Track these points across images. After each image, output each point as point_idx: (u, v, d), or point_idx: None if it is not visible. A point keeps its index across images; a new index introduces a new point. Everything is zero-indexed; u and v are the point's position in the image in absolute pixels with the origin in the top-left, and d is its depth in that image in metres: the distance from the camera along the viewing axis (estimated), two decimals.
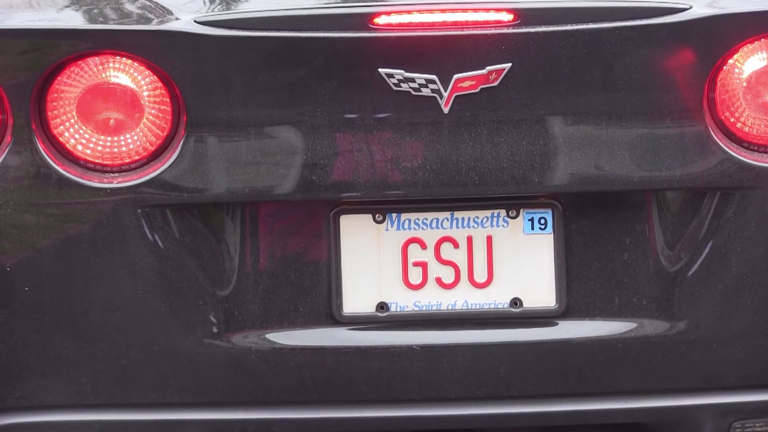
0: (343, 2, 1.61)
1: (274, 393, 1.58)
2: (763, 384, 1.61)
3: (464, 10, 1.48)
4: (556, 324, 1.56)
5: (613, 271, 1.57)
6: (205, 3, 1.58)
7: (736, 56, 1.49)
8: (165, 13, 1.51)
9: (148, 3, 1.58)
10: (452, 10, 1.48)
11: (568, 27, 1.48)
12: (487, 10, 1.48)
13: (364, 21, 1.46)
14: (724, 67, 1.48)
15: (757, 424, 1.66)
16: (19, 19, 1.54)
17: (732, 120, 1.51)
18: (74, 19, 1.58)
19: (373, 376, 1.56)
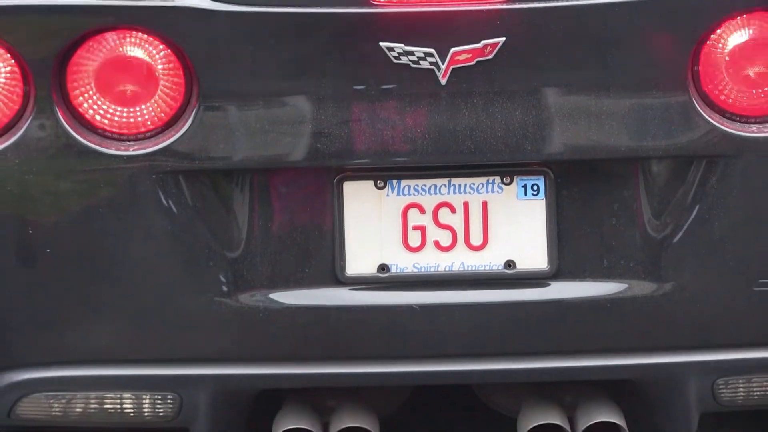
0: None
1: (281, 349, 1.66)
2: (744, 343, 1.69)
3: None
4: (548, 285, 1.63)
5: (602, 235, 1.65)
6: None
7: (718, 32, 1.55)
8: None
9: None
10: None
11: (559, 3, 1.55)
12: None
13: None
14: (708, 42, 1.55)
15: (739, 381, 1.73)
16: None
17: (716, 92, 1.57)
18: None
19: (375, 334, 1.64)
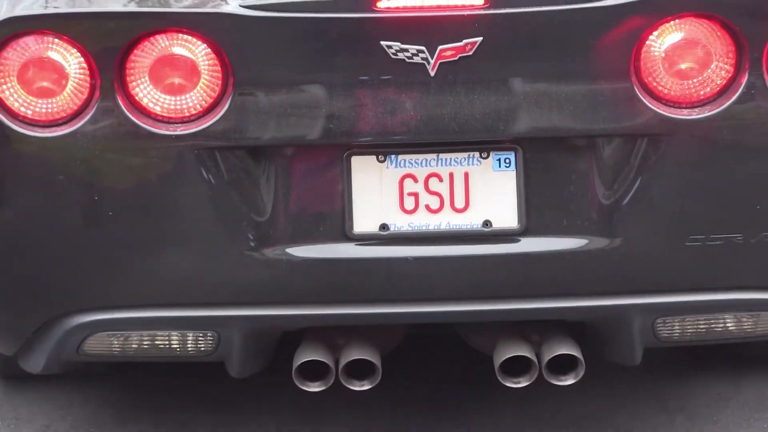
0: None
1: (300, 295, 1.96)
2: (678, 289, 1.96)
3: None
4: (518, 240, 1.91)
5: (563, 199, 1.93)
6: None
7: (655, 33, 1.84)
8: None
9: None
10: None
11: (527, 9, 1.84)
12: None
13: (369, 4, 1.80)
14: (647, 42, 1.84)
15: (675, 321, 2.03)
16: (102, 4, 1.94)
17: (654, 84, 1.87)
18: (146, 4, 1.95)
19: (376, 281, 1.93)
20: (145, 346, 2.06)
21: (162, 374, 2.63)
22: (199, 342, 2.02)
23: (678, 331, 2.05)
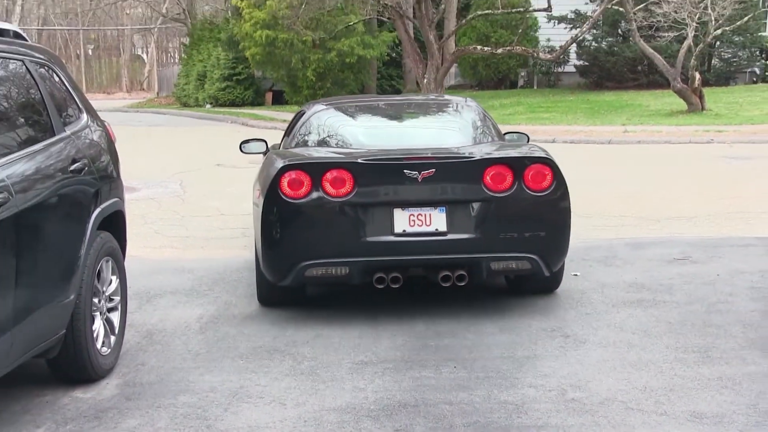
0: (388, 158, 5.84)
1: (379, 253, 5.74)
2: (494, 251, 5.80)
3: (424, 159, 5.69)
4: (447, 235, 5.77)
5: (460, 222, 5.82)
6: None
7: (490, 170, 5.71)
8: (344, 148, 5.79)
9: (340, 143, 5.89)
10: (421, 158, 5.70)
11: (445, 161, 5.76)
12: (425, 159, 5.70)
13: (401, 166, 5.68)
14: (486, 171, 5.72)
15: (500, 265, 5.83)
16: None
17: (487, 184, 5.75)
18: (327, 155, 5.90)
19: (402, 248, 5.71)
20: (326, 274, 5.72)
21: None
22: (343, 271, 5.72)
23: (502, 270, 5.87)
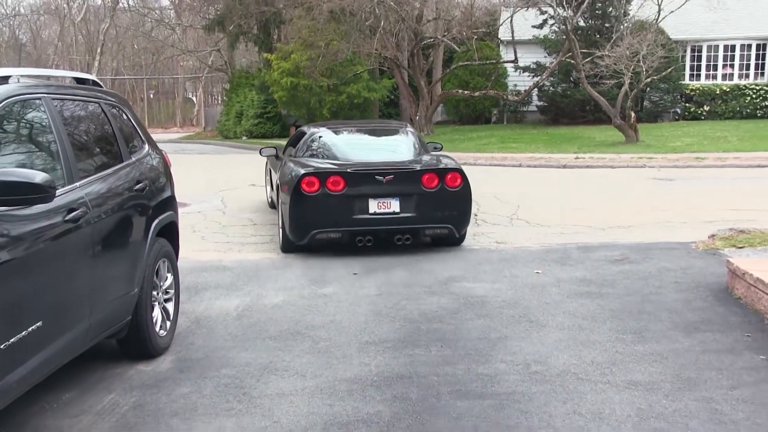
0: (366, 169, 6.61)
1: (359, 225, 6.64)
2: (429, 222, 6.81)
3: (387, 169, 6.35)
4: (399, 215, 6.75)
5: (407, 206, 6.69)
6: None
7: (425, 174, 6.32)
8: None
9: None
10: (385, 169, 6.41)
11: (397, 170, 6.76)
12: (387, 169, 6.43)
13: (374, 173, 6.25)
14: (423, 176, 6.29)
15: (435, 231, 6.94)
16: None
17: (424, 183, 6.62)
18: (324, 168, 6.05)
19: (372, 222, 6.63)
20: (328, 237, 6.38)
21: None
22: (338, 235, 6.26)
23: (426, 234, 6.88)
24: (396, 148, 7.97)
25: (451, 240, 7.45)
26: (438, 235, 7.24)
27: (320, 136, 8.35)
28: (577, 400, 3.83)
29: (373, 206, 6.80)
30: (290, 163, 7.52)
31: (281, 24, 29.09)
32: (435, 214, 6.94)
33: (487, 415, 3.66)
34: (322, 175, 6.80)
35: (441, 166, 7.19)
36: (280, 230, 7.46)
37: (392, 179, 6.78)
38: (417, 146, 8.03)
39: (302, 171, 6.96)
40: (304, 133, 8.71)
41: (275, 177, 8.31)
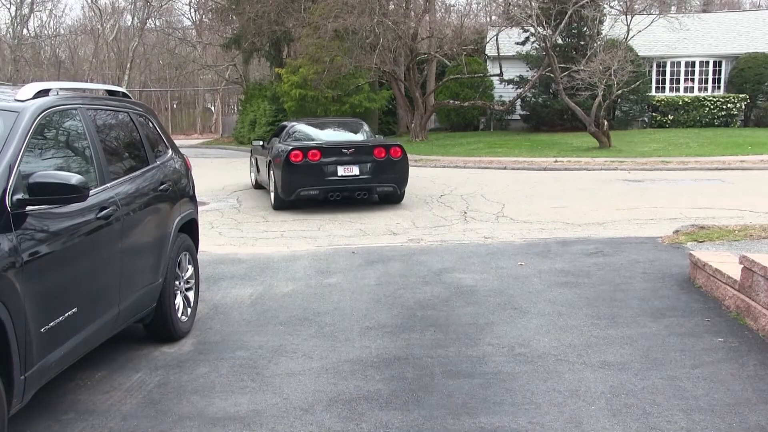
0: (336, 145, 7.48)
1: (331, 186, 7.55)
2: (395, 182, 8.08)
3: (350, 145, 6.94)
4: (362, 178, 7.55)
5: (374, 170, 7.48)
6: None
7: (377, 150, 6.94)
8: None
9: None
10: (349, 145, 7.18)
11: (360, 146, 7.61)
12: (351, 145, 7.21)
13: (341, 147, 6.82)
14: (375, 150, 6.65)
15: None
16: None
17: (375, 154, 6.76)
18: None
19: (339, 183, 7.43)
20: (309, 194, 7.11)
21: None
22: (316, 192, 6.87)
23: (378, 191, 7.82)
24: (354, 133, 9.83)
25: (394, 197, 9.01)
26: (385, 192, 8.80)
27: (299, 127, 10.35)
28: (556, 379, 3.81)
29: (341, 171, 8.33)
30: (280, 144, 9.42)
31: (291, 42, 29.02)
32: (383, 176, 8.54)
33: (475, 393, 3.63)
34: (304, 149, 8.54)
35: (387, 143, 9.05)
36: (272, 193, 9.20)
37: (353, 152, 8.44)
38: (369, 133, 10.00)
39: (290, 147, 8.74)
40: (285, 126, 10.69)
41: (261, 162, 10.81)
